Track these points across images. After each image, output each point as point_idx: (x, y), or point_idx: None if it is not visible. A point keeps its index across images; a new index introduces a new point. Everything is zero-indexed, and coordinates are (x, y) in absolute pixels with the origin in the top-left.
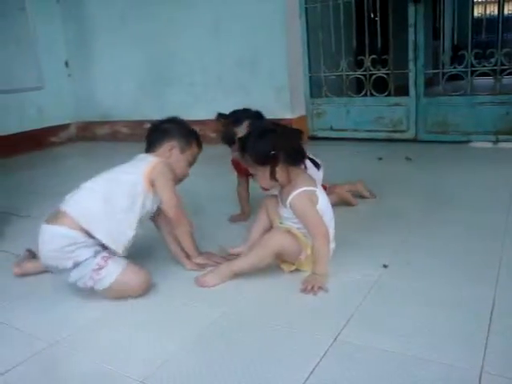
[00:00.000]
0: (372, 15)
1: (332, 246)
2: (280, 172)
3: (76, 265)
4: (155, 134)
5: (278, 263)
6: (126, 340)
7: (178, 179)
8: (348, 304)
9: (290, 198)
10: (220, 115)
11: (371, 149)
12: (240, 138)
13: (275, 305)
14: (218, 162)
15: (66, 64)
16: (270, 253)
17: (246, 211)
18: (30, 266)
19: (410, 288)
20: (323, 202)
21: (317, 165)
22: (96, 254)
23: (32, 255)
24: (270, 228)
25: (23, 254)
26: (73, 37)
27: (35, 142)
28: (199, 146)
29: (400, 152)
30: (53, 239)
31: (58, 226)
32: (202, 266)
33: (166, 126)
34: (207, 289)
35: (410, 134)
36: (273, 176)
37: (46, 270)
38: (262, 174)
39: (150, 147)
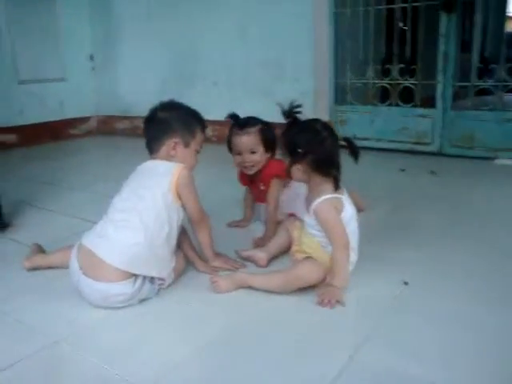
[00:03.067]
0: (402, 24)
1: (354, 258)
2: (299, 172)
3: (140, 300)
4: (152, 131)
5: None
6: (132, 342)
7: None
8: (366, 321)
9: (314, 204)
10: (233, 116)
11: (393, 159)
12: (290, 122)
13: (289, 317)
14: (232, 163)
15: (91, 57)
16: (293, 288)
17: (247, 217)
18: (39, 259)
19: (431, 307)
20: (349, 210)
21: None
22: (151, 280)
23: (39, 249)
24: (289, 242)
25: (31, 248)
26: (99, 31)
27: (55, 133)
28: (203, 129)
29: (423, 164)
30: (106, 299)
31: (106, 285)
32: (215, 270)
33: (162, 115)
34: (220, 294)
35: (434, 147)
36: (288, 171)
37: (57, 266)
38: (288, 163)
39: (152, 148)
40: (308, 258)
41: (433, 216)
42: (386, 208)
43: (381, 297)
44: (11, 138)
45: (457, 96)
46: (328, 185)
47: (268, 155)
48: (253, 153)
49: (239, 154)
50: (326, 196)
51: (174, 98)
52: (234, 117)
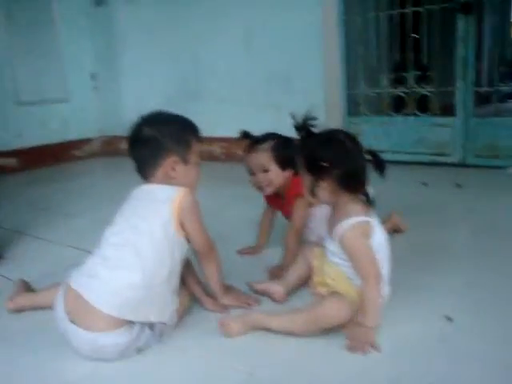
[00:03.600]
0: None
1: (386, 289)
2: (325, 191)
3: (138, 350)
4: (142, 153)
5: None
6: None
7: (193, 187)
8: (404, 368)
9: (339, 229)
10: (244, 134)
11: (413, 173)
12: (304, 136)
13: (313, 366)
14: (245, 182)
15: (93, 77)
16: (317, 329)
17: (261, 244)
18: (24, 300)
19: (483, 351)
20: (378, 235)
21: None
22: (150, 326)
23: (25, 286)
24: (308, 272)
25: (15, 285)
26: (101, 50)
27: (57, 155)
28: (198, 137)
29: (446, 177)
30: (97, 350)
31: (96, 335)
32: (225, 309)
33: (149, 133)
34: (231, 339)
35: (455, 158)
36: (312, 190)
37: (44, 306)
38: (306, 182)
39: (145, 173)
40: (333, 292)
41: (464, 234)
42: (412, 227)
43: (423, 337)
44: (11, 162)
45: (478, 103)
46: (356, 205)
47: (287, 173)
48: (265, 171)
49: (253, 174)
50: (354, 219)
51: (180, 114)
52: (245, 134)
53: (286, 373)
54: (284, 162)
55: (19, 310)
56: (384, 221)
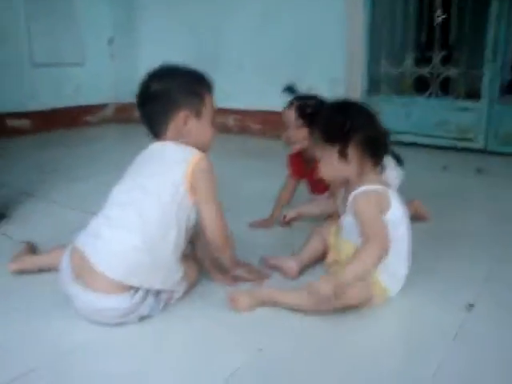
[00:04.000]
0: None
1: (404, 272)
2: (352, 156)
3: (141, 317)
4: (151, 110)
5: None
6: (128, 375)
7: (207, 147)
8: (426, 356)
9: (353, 195)
10: (288, 88)
11: (433, 156)
12: (313, 111)
13: (324, 345)
14: (262, 156)
15: (110, 42)
16: (329, 307)
17: (274, 216)
18: (27, 261)
19: (504, 339)
20: (397, 209)
21: (400, 161)
22: (156, 293)
23: (31, 248)
24: (323, 249)
25: (21, 247)
26: (119, 16)
27: (70, 119)
28: (211, 90)
29: (467, 162)
30: (98, 312)
31: (101, 297)
32: (235, 282)
33: (157, 87)
34: (240, 314)
35: (478, 144)
36: (343, 155)
37: (46, 268)
38: (328, 157)
39: (157, 131)
40: None
41: (485, 221)
42: (432, 212)
43: (442, 325)
44: (24, 123)
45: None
46: (374, 175)
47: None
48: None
49: (286, 128)
50: (369, 187)
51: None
52: (289, 89)
53: (295, 350)
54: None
55: (21, 271)
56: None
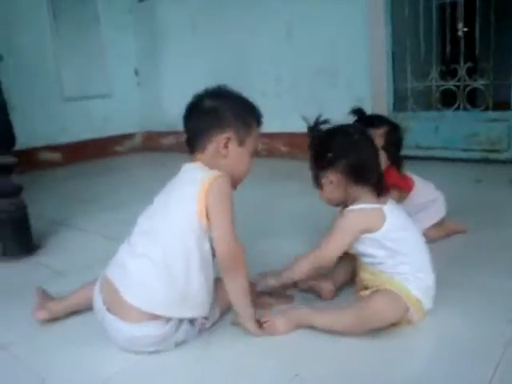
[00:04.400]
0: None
1: (429, 281)
2: (332, 182)
3: (177, 344)
4: (197, 122)
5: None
6: None
7: (240, 181)
8: (464, 373)
9: (349, 208)
10: (358, 111)
11: (465, 170)
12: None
13: (361, 368)
14: (290, 178)
15: (136, 72)
16: (366, 328)
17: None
18: (57, 305)
19: None
20: (396, 219)
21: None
22: (191, 320)
23: (45, 293)
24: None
25: (37, 293)
26: (143, 46)
27: (100, 150)
28: (259, 125)
29: (500, 174)
30: (132, 341)
31: (133, 326)
32: (267, 305)
33: (210, 104)
34: (276, 337)
35: (510, 155)
36: (317, 180)
37: (78, 309)
38: (322, 181)
39: (195, 144)
40: (380, 290)
41: None
42: (469, 226)
43: (491, 342)
44: (55, 156)
45: None
46: (366, 195)
47: (389, 162)
48: None
49: None
50: (360, 205)
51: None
52: (358, 112)
53: (333, 374)
54: (391, 151)
55: (54, 319)
56: (436, 228)
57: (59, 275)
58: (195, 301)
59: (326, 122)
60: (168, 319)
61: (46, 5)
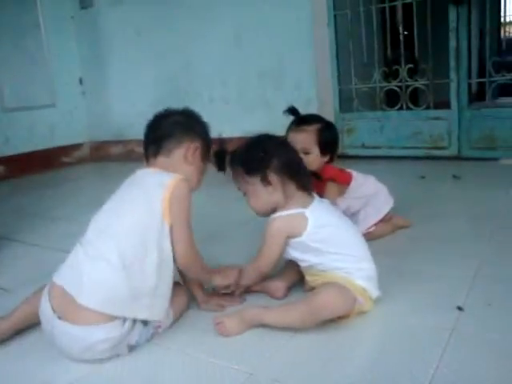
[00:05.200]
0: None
1: (375, 292)
2: (273, 181)
3: (130, 347)
4: (169, 129)
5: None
6: None
7: (193, 190)
8: (424, 363)
9: (271, 217)
10: (292, 111)
11: (410, 167)
12: (231, 150)
13: (314, 364)
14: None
15: (80, 81)
16: (316, 320)
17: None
18: (4, 326)
19: (495, 341)
20: (320, 219)
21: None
22: (144, 321)
23: None
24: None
25: None
26: (87, 53)
27: (46, 161)
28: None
29: (443, 170)
30: (89, 348)
31: (91, 329)
32: (220, 307)
33: (183, 118)
34: (229, 338)
35: (452, 151)
36: (265, 180)
37: (27, 324)
38: (252, 189)
39: (160, 149)
40: (327, 282)
41: (467, 224)
42: (415, 219)
43: (435, 329)
44: None
45: (479, 96)
46: (299, 197)
47: (325, 159)
48: (306, 154)
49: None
50: (285, 212)
51: None
52: (292, 111)
53: (287, 372)
54: (326, 147)
55: (0, 340)
56: (385, 224)
57: (5, 292)
58: (149, 301)
59: (225, 142)
60: (124, 320)
61: None
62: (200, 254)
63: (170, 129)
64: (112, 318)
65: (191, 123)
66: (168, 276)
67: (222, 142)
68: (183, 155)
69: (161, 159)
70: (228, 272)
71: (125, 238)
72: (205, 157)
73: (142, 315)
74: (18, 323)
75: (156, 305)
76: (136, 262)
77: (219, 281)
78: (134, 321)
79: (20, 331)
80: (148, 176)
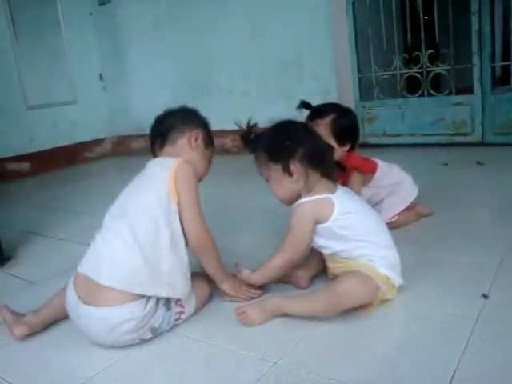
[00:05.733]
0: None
1: (390, 254)
2: (297, 170)
3: (154, 331)
4: (172, 122)
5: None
6: None
7: (199, 178)
8: (448, 351)
9: (297, 202)
10: (305, 104)
11: (432, 154)
12: (256, 135)
13: (337, 352)
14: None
15: (101, 77)
16: (339, 309)
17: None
18: (33, 319)
19: None
20: (346, 205)
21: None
22: (166, 304)
23: (11, 311)
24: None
25: (5, 312)
26: (107, 49)
27: (69, 157)
28: (213, 147)
29: (467, 156)
30: (114, 329)
31: (114, 310)
32: (245, 296)
33: (183, 115)
34: (252, 328)
35: (475, 137)
36: (287, 170)
37: (59, 317)
38: (274, 176)
39: (166, 141)
40: (351, 271)
41: (492, 211)
42: (438, 207)
43: (460, 318)
44: (24, 166)
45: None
46: (320, 184)
47: (345, 148)
48: None
49: None
50: (313, 197)
51: None
52: (304, 105)
53: (310, 361)
54: (342, 137)
55: (32, 333)
56: (408, 212)
57: (32, 285)
58: (169, 279)
59: (255, 125)
60: (147, 300)
61: (3, 10)
62: (213, 238)
63: (172, 122)
64: (134, 298)
65: (190, 116)
66: (183, 255)
67: (249, 124)
68: (187, 142)
69: (167, 149)
70: (240, 285)
71: (136, 219)
72: (208, 144)
73: (163, 292)
74: (48, 318)
75: (175, 283)
76: (150, 242)
77: (227, 289)
78: (158, 303)
79: (50, 324)
80: (155, 163)
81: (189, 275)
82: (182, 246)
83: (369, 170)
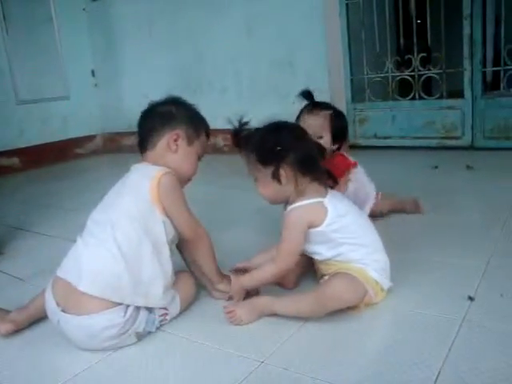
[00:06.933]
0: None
1: (387, 284)
2: (285, 176)
3: (139, 335)
4: (151, 123)
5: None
6: None
7: (187, 179)
8: (434, 352)
9: (288, 209)
10: (307, 94)
11: (422, 157)
12: (247, 134)
13: (325, 352)
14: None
15: (93, 73)
16: (327, 310)
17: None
18: (18, 316)
19: (506, 331)
20: (338, 208)
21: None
22: (148, 307)
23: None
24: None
25: None
26: (99, 45)
27: (60, 153)
28: (208, 135)
29: (456, 160)
30: (94, 336)
31: (94, 317)
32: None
33: (164, 109)
34: (240, 327)
35: (465, 141)
36: (276, 176)
37: (41, 315)
38: (263, 178)
39: (146, 143)
40: (339, 272)
41: (480, 214)
42: (427, 209)
43: (444, 320)
44: (14, 161)
45: (491, 84)
46: (312, 188)
47: (334, 147)
48: (319, 138)
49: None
50: (306, 201)
51: None
52: (306, 94)
53: (297, 360)
54: (337, 134)
55: (18, 329)
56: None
57: (20, 281)
58: (146, 289)
59: (247, 123)
60: (126, 306)
61: None
62: (207, 232)
63: (151, 123)
64: (114, 305)
65: (171, 112)
66: (167, 265)
67: (240, 121)
68: (166, 145)
69: (148, 153)
70: (233, 283)
71: (120, 227)
72: (191, 140)
73: (139, 302)
74: (33, 314)
75: (153, 293)
76: (132, 249)
77: (222, 287)
78: (138, 308)
79: (36, 321)
80: (136, 170)
81: (171, 282)
82: (165, 256)
83: (352, 165)
